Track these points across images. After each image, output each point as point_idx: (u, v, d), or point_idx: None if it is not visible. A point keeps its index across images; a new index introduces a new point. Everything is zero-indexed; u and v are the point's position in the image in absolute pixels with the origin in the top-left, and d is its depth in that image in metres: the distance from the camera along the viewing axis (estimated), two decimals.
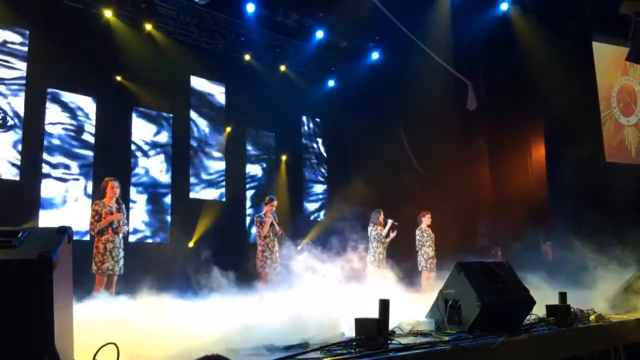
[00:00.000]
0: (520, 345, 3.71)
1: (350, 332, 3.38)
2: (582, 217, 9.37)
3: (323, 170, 15.05)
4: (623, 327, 4.71)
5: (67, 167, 10.32)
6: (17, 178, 9.59)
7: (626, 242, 7.81)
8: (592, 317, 4.67)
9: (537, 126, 11.42)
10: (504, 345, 3.46)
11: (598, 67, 10.70)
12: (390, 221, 9.56)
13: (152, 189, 11.60)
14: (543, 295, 4.56)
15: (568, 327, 4.28)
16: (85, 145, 10.62)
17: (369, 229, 9.56)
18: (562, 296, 4.73)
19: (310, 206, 14.55)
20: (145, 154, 11.59)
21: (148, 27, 11.11)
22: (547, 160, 11.00)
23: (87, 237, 8.73)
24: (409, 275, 8.79)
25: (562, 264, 8.25)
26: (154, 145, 11.74)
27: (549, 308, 4.47)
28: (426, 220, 9.70)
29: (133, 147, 11.39)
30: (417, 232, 9.70)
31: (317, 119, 15.07)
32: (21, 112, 9.73)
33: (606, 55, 10.80)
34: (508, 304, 4.04)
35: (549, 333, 4.07)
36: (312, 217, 14.32)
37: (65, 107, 10.44)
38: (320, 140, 15.13)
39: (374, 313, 3.29)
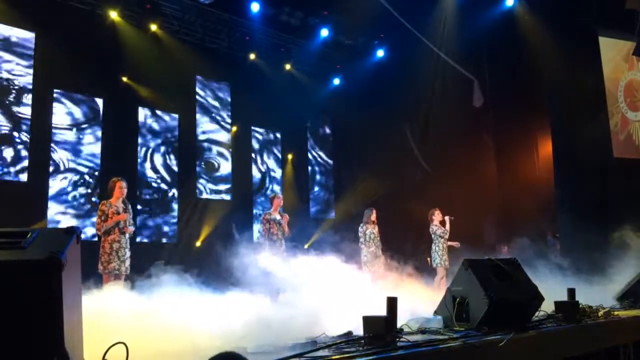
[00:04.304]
0: (529, 342, 3.69)
1: (358, 330, 3.38)
2: (590, 212, 9.34)
3: (329, 169, 15.04)
4: (632, 324, 4.68)
5: (74, 167, 10.37)
6: (25, 179, 9.65)
7: (633, 237, 7.78)
8: (600, 314, 4.63)
9: (543, 122, 11.38)
10: (513, 342, 3.44)
11: (604, 62, 10.62)
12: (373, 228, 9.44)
13: (159, 189, 11.64)
14: (551, 292, 4.54)
15: (577, 323, 4.26)
16: (92, 145, 10.66)
17: (360, 228, 9.46)
18: (571, 292, 4.71)
19: (317, 205, 14.55)
20: (152, 154, 11.63)
21: (153, 27, 11.15)
22: (554, 155, 10.95)
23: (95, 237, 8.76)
24: (416, 273, 8.77)
25: (570, 259, 8.22)
26: (161, 144, 11.78)
27: (557, 304, 4.45)
28: (437, 216, 9.60)
29: (139, 146, 11.43)
30: (430, 229, 9.60)
31: (323, 118, 15.06)
32: (28, 114, 9.78)
33: (612, 50, 10.73)
34: (516, 301, 4.02)
35: (558, 330, 4.04)
36: (318, 216, 14.31)
37: (71, 107, 10.48)
38: (326, 139, 15.12)
39: (377, 312, 3.29)
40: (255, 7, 11.57)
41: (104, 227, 6.89)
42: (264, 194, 13.31)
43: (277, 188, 13.48)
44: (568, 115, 10.33)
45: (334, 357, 2.84)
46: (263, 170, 13.66)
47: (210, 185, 12.54)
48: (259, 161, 13.61)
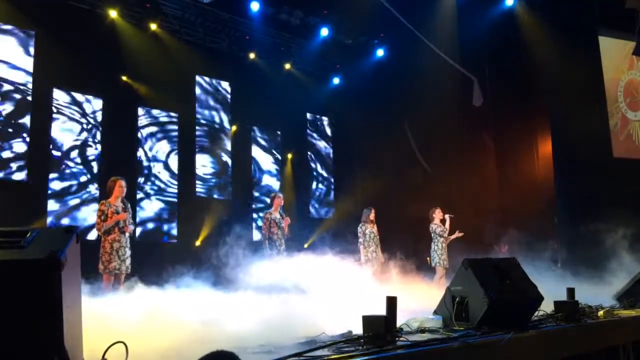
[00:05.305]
0: (529, 341, 3.69)
1: (357, 329, 3.38)
2: (590, 212, 9.34)
3: (329, 168, 15.03)
4: (632, 323, 4.69)
5: (74, 167, 10.36)
6: (25, 179, 9.64)
7: (633, 237, 7.79)
8: (600, 313, 4.63)
9: (543, 121, 11.37)
10: (512, 341, 3.45)
11: (604, 62, 10.64)
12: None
13: (159, 188, 11.63)
14: (551, 292, 4.54)
15: (576, 323, 4.26)
16: (91, 145, 10.66)
17: (359, 227, 9.44)
18: (571, 292, 4.72)
19: (316, 204, 14.55)
20: (151, 153, 11.62)
21: (153, 26, 11.13)
22: (554, 155, 10.95)
23: (94, 237, 8.76)
24: (416, 272, 8.77)
25: (570, 259, 8.23)
26: (160, 144, 11.77)
27: (557, 304, 4.45)
28: (437, 215, 9.59)
29: (139, 146, 11.42)
30: (430, 228, 9.58)
31: (323, 117, 15.06)
32: (28, 113, 9.77)
33: (612, 50, 10.74)
34: (516, 301, 4.02)
35: (557, 329, 4.04)
36: (318, 215, 14.31)
37: (71, 107, 10.48)
38: (326, 138, 15.12)
39: (377, 311, 3.29)
40: (255, 7, 11.56)
41: (104, 227, 6.90)
42: (264, 193, 13.30)
43: (277, 187, 13.47)
44: (568, 115, 10.33)
45: (333, 357, 2.84)
46: (262, 169, 13.65)
47: (210, 185, 12.53)
48: (258, 160, 13.59)
